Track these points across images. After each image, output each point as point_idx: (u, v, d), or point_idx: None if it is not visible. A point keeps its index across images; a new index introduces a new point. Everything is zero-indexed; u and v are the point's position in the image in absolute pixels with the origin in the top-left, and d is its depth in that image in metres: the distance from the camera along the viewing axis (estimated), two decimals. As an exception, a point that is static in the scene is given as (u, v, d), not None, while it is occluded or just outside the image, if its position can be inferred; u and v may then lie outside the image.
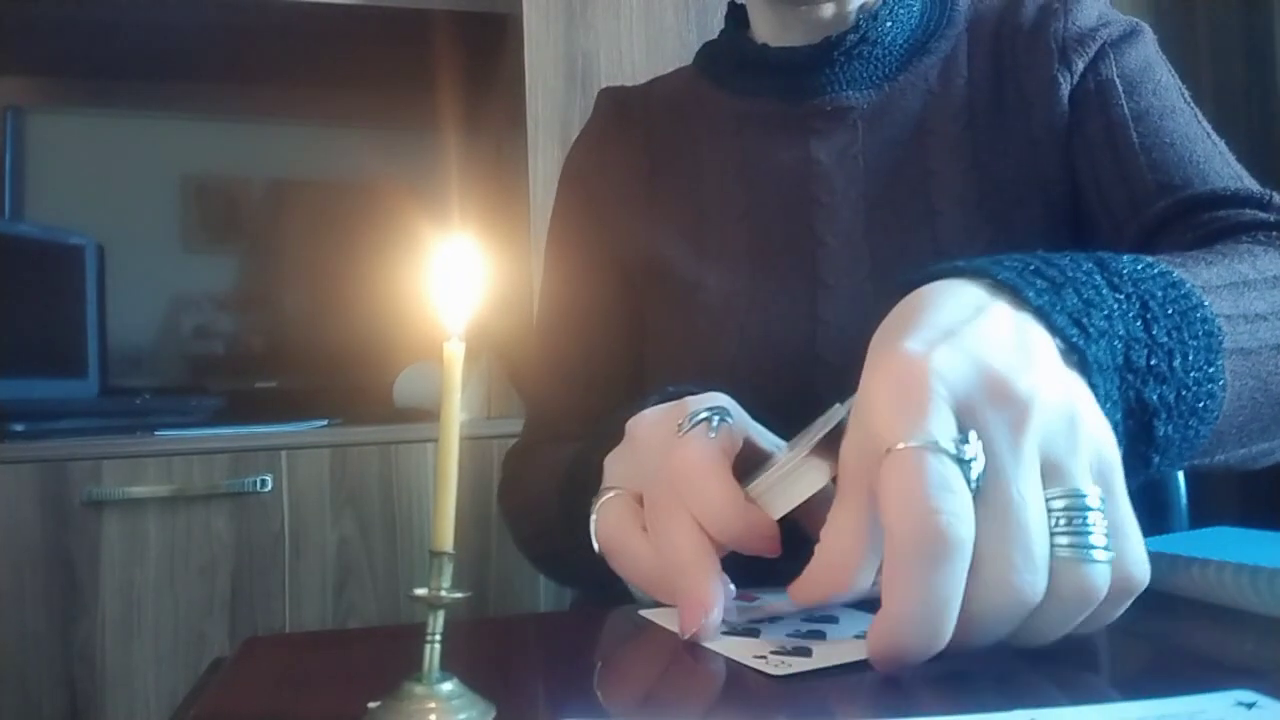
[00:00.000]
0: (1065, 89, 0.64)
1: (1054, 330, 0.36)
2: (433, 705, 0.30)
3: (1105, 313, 0.38)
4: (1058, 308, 0.37)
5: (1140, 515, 0.35)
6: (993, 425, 0.32)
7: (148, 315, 1.61)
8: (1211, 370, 0.41)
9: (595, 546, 0.45)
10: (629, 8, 1.43)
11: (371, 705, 0.31)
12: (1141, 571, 0.33)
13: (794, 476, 0.40)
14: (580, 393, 0.74)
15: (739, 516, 0.39)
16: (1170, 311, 0.40)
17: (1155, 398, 0.39)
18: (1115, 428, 0.36)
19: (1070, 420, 0.33)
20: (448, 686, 0.31)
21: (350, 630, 1.08)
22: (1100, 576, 0.32)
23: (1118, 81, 0.63)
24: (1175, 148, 0.61)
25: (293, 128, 1.74)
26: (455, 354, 0.32)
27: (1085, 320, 0.37)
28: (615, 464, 0.48)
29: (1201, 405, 0.41)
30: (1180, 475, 0.92)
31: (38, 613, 1.15)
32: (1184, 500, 0.90)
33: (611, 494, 0.45)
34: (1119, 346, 0.38)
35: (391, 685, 0.31)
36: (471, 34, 1.57)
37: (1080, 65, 0.64)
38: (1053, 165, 0.64)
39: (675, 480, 0.41)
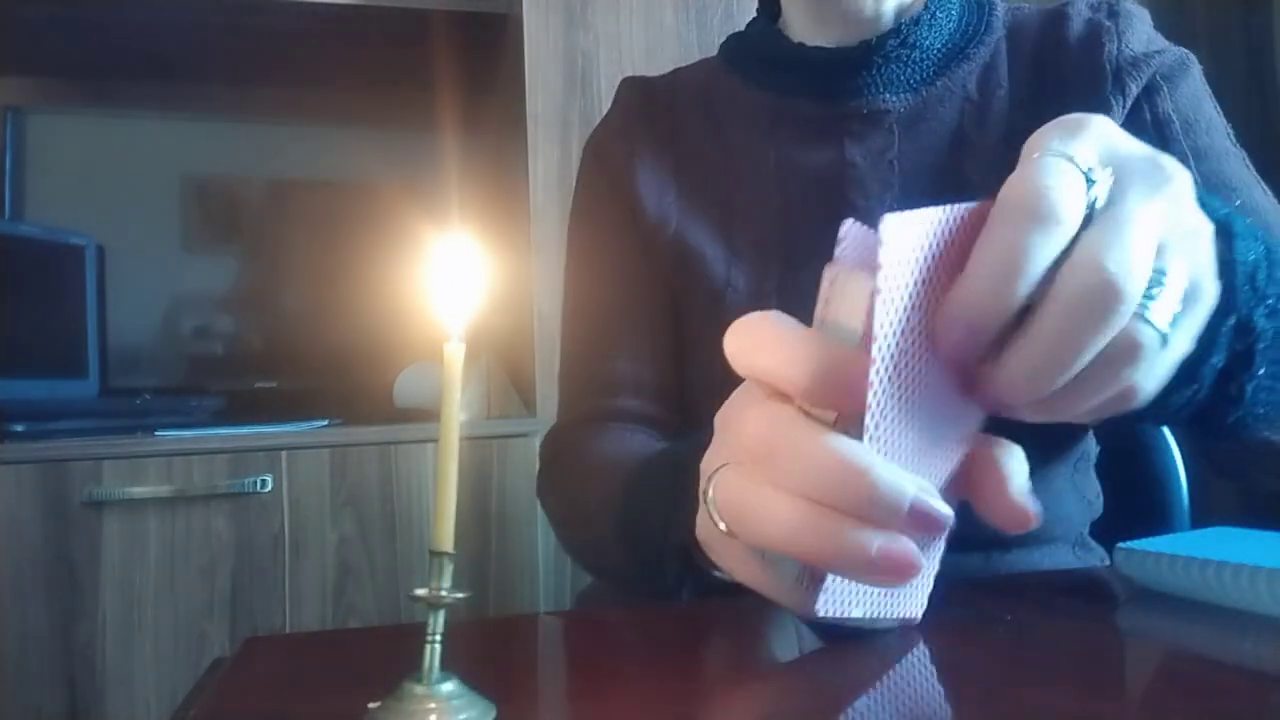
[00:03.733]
0: (1116, 111, 0.63)
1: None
2: (433, 705, 0.30)
3: (1249, 235, 0.42)
4: (1210, 204, 0.39)
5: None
6: (1134, 175, 0.33)
7: (148, 315, 1.61)
8: None
9: (720, 526, 0.36)
10: (629, 8, 1.43)
11: (371, 705, 0.31)
12: (1148, 385, 0.33)
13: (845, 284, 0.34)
14: (627, 359, 0.71)
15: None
16: None
17: (1261, 322, 0.42)
18: (1226, 331, 0.41)
19: (1195, 227, 0.34)
20: (448, 686, 0.31)
21: (350, 630, 1.08)
22: (1147, 339, 0.32)
23: (1175, 118, 0.63)
24: (1237, 193, 0.61)
25: (293, 128, 1.74)
26: (455, 354, 0.32)
27: (1232, 222, 0.41)
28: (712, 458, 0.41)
29: None
30: (1181, 475, 0.92)
31: (38, 613, 1.15)
32: (1185, 500, 0.90)
33: (722, 467, 0.37)
34: (1250, 260, 0.42)
35: (391, 685, 0.31)
36: (471, 34, 1.57)
37: (1134, 89, 0.63)
38: None
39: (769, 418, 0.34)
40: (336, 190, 1.72)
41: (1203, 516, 0.89)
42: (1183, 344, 0.34)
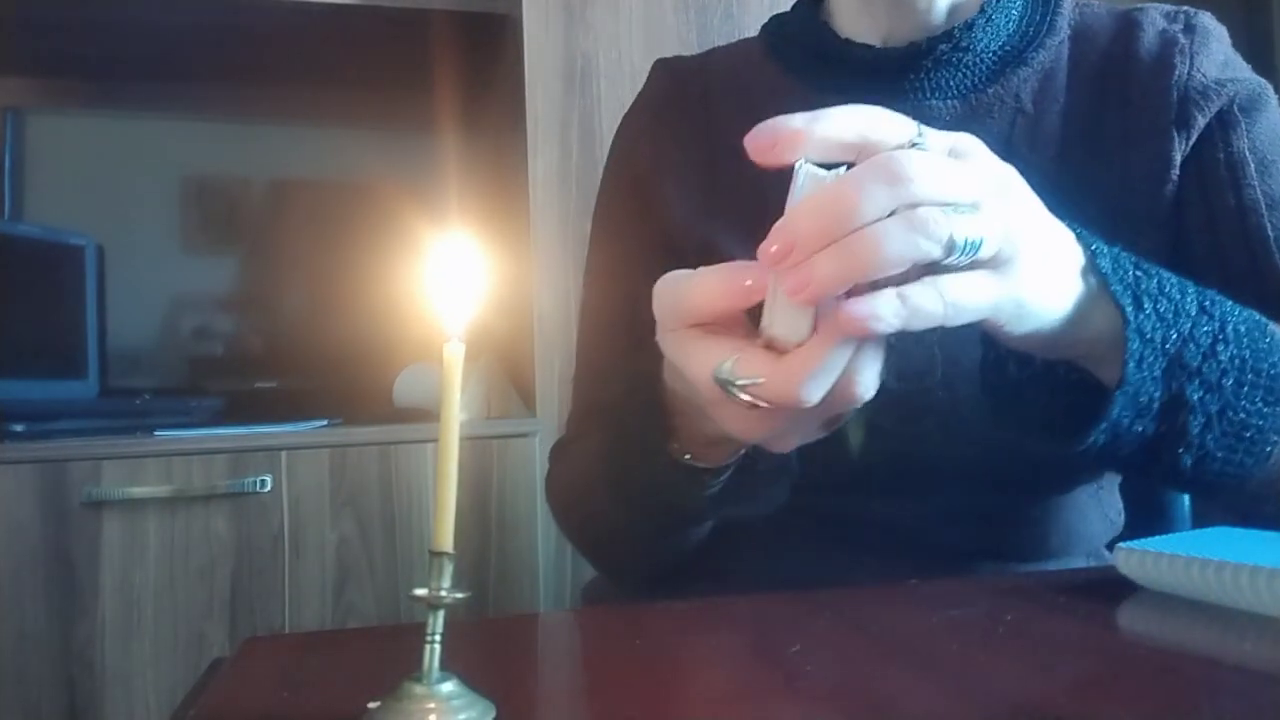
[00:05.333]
0: (1177, 144, 0.60)
1: (1111, 292, 0.42)
2: (433, 705, 0.30)
3: (1173, 307, 0.44)
4: (1122, 280, 0.43)
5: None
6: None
7: (148, 315, 1.61)
8: (1267, 410, 0.45)
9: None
10: (629, 8, 1.43)
11: (371, 705, 0.31)
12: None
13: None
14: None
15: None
16: (1246, 344, 0.45)
17: (1195, 398, 0.44)
18: (1151, 404, 0.44)
19: (1026, 198, 0.40)
20: (448, 686, 0.31)
21: (350, 630, 1.08)
22: (931, 215, 0.34)
23: (1250, 159, 0.59)
24: None
25: (293, 128, 1.74)
26: (455, 354, 0.32)
27: (1144, 297, 0.43)
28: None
29: (1249, 435, 0.45)
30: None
31: (38, 613, 1.15)
32: (1185, 500, 0.90)
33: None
34: (1173, 337, 0.44)
35: (391, 685, 0.31)
36: (471, 34, 1.56)
37: (1200, 121, 0.60)
38: (1142, 211, 0.61)
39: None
40: (336, 190, 1.72)
41: (1202, 516, 0.89)
42: (1031, 283, 0.38)
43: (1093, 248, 0.43)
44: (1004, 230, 0.37)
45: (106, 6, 1.44)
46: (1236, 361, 0.45)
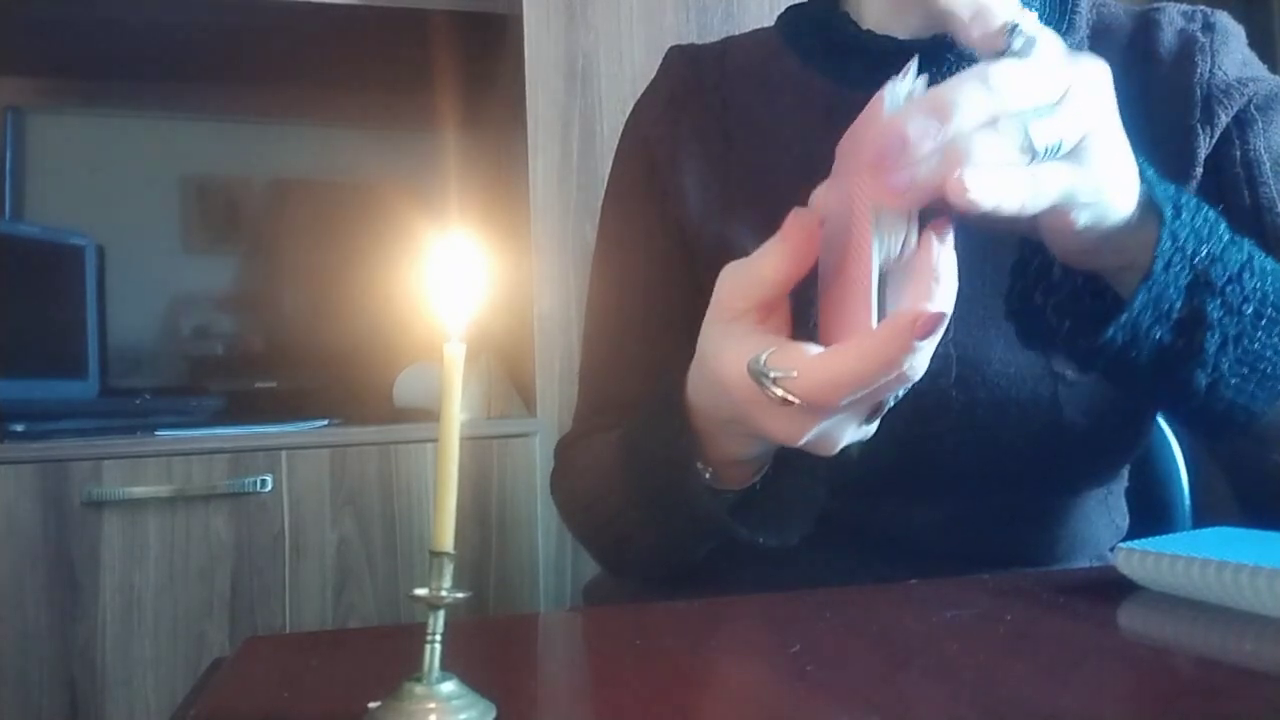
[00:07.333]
0: (1202, 141, 0.60)
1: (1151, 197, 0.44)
2: (433, 705, 0.30)
3: (1208, 226, 0.45)
4: (1165, 192, 0.44)
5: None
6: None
7: (148, 315, 1.61)
8: None
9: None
10: (629, 8, 1.43)
11: (371, 705, 0.31)
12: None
13: None
14: (641, 380, 0.68)
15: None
16: (1270, 280, 0.46)
17: (1215, 316, 0.45)
18: (1171, 310, 0.44)
19: (1104, 99, 0.41)
20: (448, 686, 0.31)
21: (350, 630, 1.08)
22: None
23: (1265, 158, 0.60)
24: None
25: (293, 128, 1.74)
26: (455, 354, 0.32)
27: (1183, 209, 0.44)
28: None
29: (1263, 368, 0.46)
30: (1182, 475, 0.92)
31: (38, 613, 1.15)
32: (1185, 500, 0.90)
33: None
34: (1204, 252, 0.45)
35: (391, 685, 0.31)
36: (471, 34, 1.57)
37: (1223, 118, 0.60)
38: None
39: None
40: (336, 190, 1.72)
41: (1203, 516, 0.89)
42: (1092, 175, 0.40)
43: (1138, 158, 0.44)
44: (1082, 126, 0.39)
45: (106, 6, 1.44)
46: (1259, 294, 0.46)
